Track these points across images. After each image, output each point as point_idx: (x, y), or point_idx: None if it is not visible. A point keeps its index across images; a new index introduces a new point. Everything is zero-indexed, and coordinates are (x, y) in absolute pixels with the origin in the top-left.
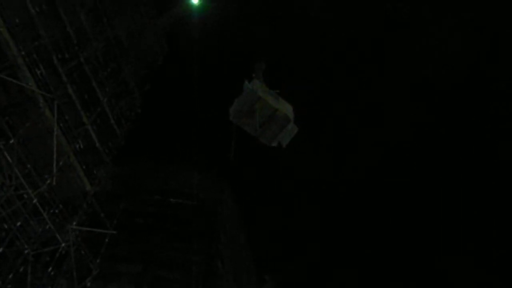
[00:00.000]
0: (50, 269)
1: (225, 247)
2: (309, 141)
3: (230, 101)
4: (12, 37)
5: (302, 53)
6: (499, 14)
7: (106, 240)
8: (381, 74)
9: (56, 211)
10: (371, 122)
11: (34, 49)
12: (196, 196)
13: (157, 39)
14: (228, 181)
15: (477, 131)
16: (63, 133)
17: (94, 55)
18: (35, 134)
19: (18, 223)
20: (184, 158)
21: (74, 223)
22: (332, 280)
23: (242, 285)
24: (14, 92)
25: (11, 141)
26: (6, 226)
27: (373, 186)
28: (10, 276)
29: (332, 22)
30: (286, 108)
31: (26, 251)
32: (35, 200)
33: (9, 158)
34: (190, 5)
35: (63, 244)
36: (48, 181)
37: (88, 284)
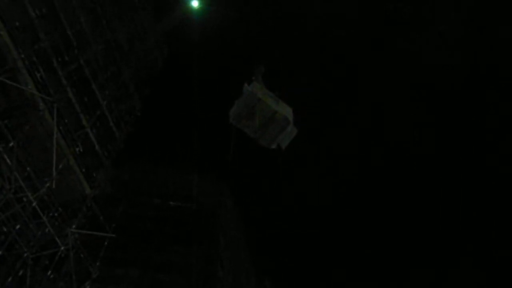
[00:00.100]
0: (49, 272)
1: (224, 251)
2: (309, 143)
3: (229, 104)
4: (12, 40)
5: (301, 55)
6: (499, 14)
7: (105, 243)
8: (381, 75)
9: (56, 214)
10: (371, 123)
11: (34, 52)
12: (195, 199)
13: (157, 43)
14: (227, 184)
15: (477, 131)
16: (62, 136)
17: (94, 58)
18: (35, 137)
19: (18, 226)
20: (184, 161)
21: (74, 226)
22: (332, 283)
23: None
24: (13, 95)
25: (11, 144)
26: (5, 229)
27: (373, 187)
28: (10, 279)
29: (332, 24)
30: (286, 111)
31: (25, 254)
32: (34, 203)
33: (8, 161)
34: (190, 9)
35: (62, 247)
36: (48, 184)
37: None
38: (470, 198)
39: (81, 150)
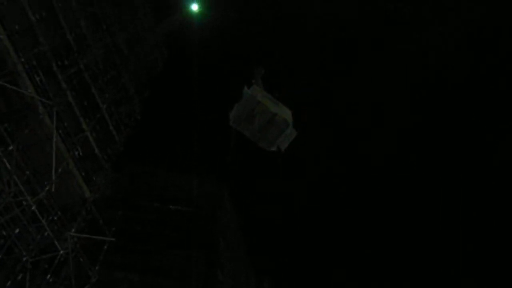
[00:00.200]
0: (48, 276)
1: (224, 254)
2: (309, 145)
3: (229, 107)
4: (11, 44)
5: (301, 56)
6: (499, 14)
7: (105, 247)
8: (381, 75)
9: (55, 218)
10: (370, 124)
11: (34, 56)
12: (195, 202)
13: (156, 46)
14: (226, 186)
15: (477, 130)
16: (62, 140)
17: (94, 62)
18: (34, 140)
19: (17, 230)
20: (183, 164)
21: (73, 230)
22: (331, 284)
23: None
24: (13, 98)
25: (10, 148)
26: (4, 233)
27: (373, 188)
28: (9, 283)
29: (332, 24)
30: (285, 113)
31: (24, 258)
32: (33, 207)
33: (8, 165)
34: (189, 12)
35: (61, 251)
36: (47, 188)
37: None
38: (470, 198)
39: (81, 153)
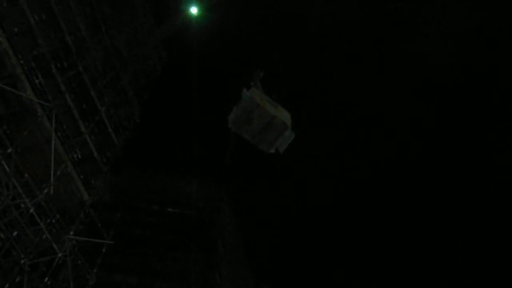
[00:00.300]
0: (46, 279)
1: (222, 257)
2: (308, 147)
3: (228, 109)
4: (11, 46)
5: (300, 58)
6: (499, 14)
7: (103, 250)
8: (381, 76)
9: (53, 220)
10: (370, 124)
11: (33, 58)
12: (194, 205)
13: (155, 49)
14: (225, 189)
15: (477, 130)
16: (61, 143)
17: (93, 65)
18: (33, 143)
19: (15, 233)
20: (182, 168)
21: (71, 232)
22: None
23: None
24: (12, 101)
25: (9, 150)
26: (2, 236)
27: (372, 189)
28: (7, 286)
29: (332, 24)
30: (284, 115)
31: (22, 261)
32: (32, 210)
33: (6, 167)
34: (188, 16)
35: (60, 254)
36: (46, 191)
37: None
38: (471, 198)
39: (79, 156)
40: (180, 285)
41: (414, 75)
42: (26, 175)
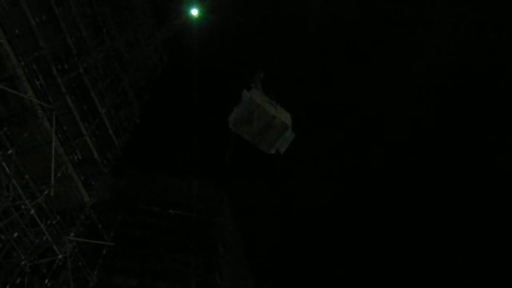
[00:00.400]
0: (47, 280)
1: (223, 258)
2: (308, 148)
3: (228, 110)
4: (11, 48)
5: (300, 59)
6: (499, 14)
7: (104, 251)
8: (381, 76)
9: (54, 222)
10: (370, 125)
11: (34, 60)
12: (194, 206)
13: (156, 50)
14: (225, 191)
15: (477, 130)
16: (61, 144)
17: (94, 66)
18: (33, 144)
19: (15, 234)
20: (183, 169)
21: (72, 234)
22: None
23: None
24: (13, 102)
25: (9, 152)
26: (3, 237)
27: (372, 190)
28: (7, 287)
29: (332, 25)
30: (285, 116)
31: (23, 263)
32: (32, 211)
33: (7, 169)
34: (189, 17)
35: (60, 256)
36: (46, 192)
37: None
38: (470, 199)
39: (80, 157)
40: (180, 286)
41: (414, 75)
42: (27, 176)
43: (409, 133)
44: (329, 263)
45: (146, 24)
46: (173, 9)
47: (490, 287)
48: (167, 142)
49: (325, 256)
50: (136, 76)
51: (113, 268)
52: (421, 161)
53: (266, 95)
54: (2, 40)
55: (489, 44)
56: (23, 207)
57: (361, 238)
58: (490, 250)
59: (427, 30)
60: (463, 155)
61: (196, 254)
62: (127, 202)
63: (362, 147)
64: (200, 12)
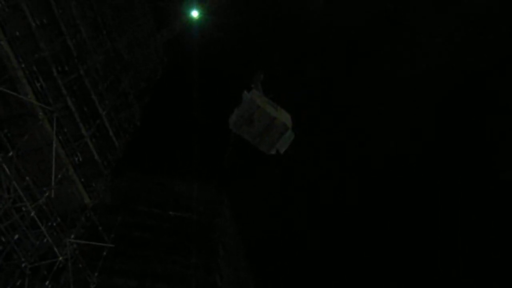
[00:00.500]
0: (47, 282)
1: (223, 260)
2: (308, 148)
3: (229, 111)
4: (12, 50)
5: (300, 59)
6: (499, 13)
7: (104, 253)
8: (381, 77)
9: (54, 224)
10: (370, 125)
11: (34, 62)
12: (194, 208)
13: (156, 52)
14: (226, 193)
15: (477, 131)
16: (62, 146)
17: (94, 68)
18: (34, 146)
19: (16, 236)
20: (183, 171)
21: (72, 236)
22: None
23: None
24: (13, 104)
25: (10, 154)
26: (3, 239)
27: (372, 190)
28: None
29: (331, 27)
30: (285, 117)
31: (23, 264)
32: (33, 213)
33: (7, 171)
34: (189, 19)
35: (60, 258)
36: (47, 194)
37: None
38: (470, 199)
39: (80, 159)
40: None
41: (414, 76)
42: (27, 178)
43: (409, 133)
44: (329, 264)
45: (146, 26)
46: (173, 11)
47: (490, 287)
48: (168, 144)
49: (325, 256)
50: (137, 77)
51: (114, 270)
52: (421, 161)
53: (266, 96)
54: (3, 42)
55: (488, 44)
56: (23, 209)
57: (361, 238)
58: (490, 250)
59: (427, 31)
60: (463, 155)
61: (196, 256)
62: (127, 203)
63: (362, 147)
64: (200, 13)
